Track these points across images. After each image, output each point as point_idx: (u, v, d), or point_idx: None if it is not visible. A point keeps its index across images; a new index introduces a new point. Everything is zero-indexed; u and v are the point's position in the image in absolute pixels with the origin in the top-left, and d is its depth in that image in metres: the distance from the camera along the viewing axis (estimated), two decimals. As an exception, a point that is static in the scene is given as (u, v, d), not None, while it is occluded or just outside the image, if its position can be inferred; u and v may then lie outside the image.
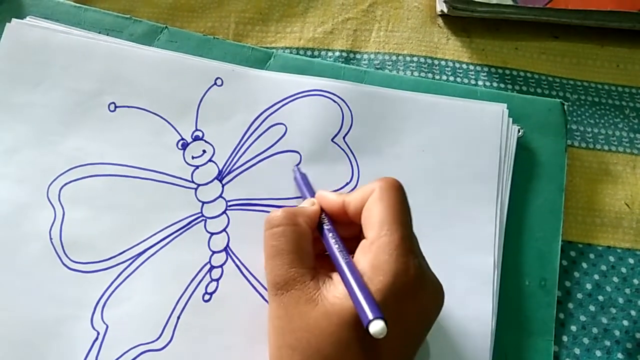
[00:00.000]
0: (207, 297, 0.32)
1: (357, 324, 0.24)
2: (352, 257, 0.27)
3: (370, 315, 0.23)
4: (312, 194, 0.33)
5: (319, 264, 0.29)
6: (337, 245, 0.28)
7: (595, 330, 0.36)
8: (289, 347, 0.26)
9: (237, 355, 0.31)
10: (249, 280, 0.33)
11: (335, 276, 0.27)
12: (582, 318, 0.36)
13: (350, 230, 0.30)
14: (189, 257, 0.33)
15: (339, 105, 0.38)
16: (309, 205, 0.31)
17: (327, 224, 0.30)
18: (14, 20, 0.37)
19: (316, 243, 0.30)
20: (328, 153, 0.36)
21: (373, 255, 0.26)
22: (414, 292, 0.26)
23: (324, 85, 0.38)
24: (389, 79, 0.40)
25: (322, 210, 0.31)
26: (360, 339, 0.25)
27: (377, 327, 0.23)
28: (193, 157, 0.36)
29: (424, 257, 0.28)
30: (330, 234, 0.29)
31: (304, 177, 0.35)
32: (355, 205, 0.29)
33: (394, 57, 0.43)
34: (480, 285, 0.34)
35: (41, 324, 0.31)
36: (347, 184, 0.36)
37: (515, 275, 0.35)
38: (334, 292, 0.26)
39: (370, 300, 0.24)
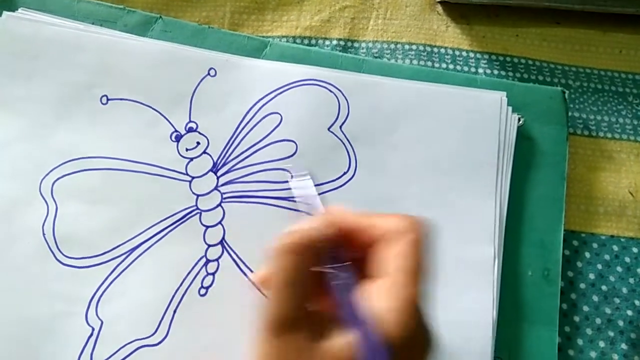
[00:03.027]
0: (203, 291, 0.32)
1: None
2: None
3: None
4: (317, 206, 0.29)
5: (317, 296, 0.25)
6: (347, 292, 0.24)
7: (598, 320, 0.35)
8: None
9: (234, 349, 0.31)
10: (245, 274, 0.32)
11: (337, 322, 0.24)
12: (585, 308, 0.35)
13: (351, 253, 0.26)
14: (184, 251, 0.33)
15: (335, 94, 0.37)
16: (323, 226, 0.26)
17: (336, 256, 0.26)
18: (5, 13, 0.37)
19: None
20: (325, 143, 0.36)
21: (394, 304, 0.23)
22: (420, 348, 0.25)
23: (320, 75, 0.37)
24: (387, 67, 0.39)
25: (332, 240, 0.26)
26: None
27: None
28: (187, 149, 0.35)
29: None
30: (343, 274, 0.25)
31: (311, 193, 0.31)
32: (372, 235, 0.26)
33: (392, 46, 0.42)
34: (480, 276, 0.33)
35: (35, 320, 0.30)
36: (345, 173, 0.35)
37: (517, 266, 0.35)
38: (338, 344, 0.23)
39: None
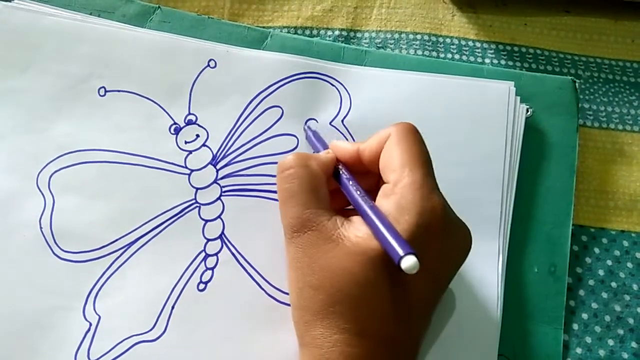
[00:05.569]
0: (202, 286, 0.31)
1: (383, 263, 0.24)
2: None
3: (401, 252, 0.23)
4: (326, 147, 0.32)
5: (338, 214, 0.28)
6: (358, 192, 0.27)
7: (607, 318, 0.34)
8: (310, 287, 0.25)
9: (233, 344, 0.30)
10: (244, 269, 0.32)
11: (355, 218, 0.26)
12: (594, 305, 0.34)
13: (366, 181, 0.29)
14: (183, 246, 0.32)
15: (336, 88, 0.36)
16: (322, 154, 0.30)
17: (345, 172, 0.29)
18: (1, 3, 0.36)
19: (334, 197, 0.29)
20: (326, 137, 0.35)
21: (397, 197, 0.26)
22: (440, 232, 0.26)
23: (322, 68, 0.36)
24: (390, 58, 0.38)
25: (337, 160, 0.30)
26: (387, 278, 0.25)
27: (409, 262, 0.22)
28: (186, 142, 0.34)
29: (446, 201, 0.27)
30: (350, 182, 0.28)
31: (315, 133, 0.34)
32: (371, 151, 0.29)
33: (396, 35, 0.41)
34: (485, 271, 0.32)
35: (32, 315, 0.30)
36: (347, 168, 0.35)
37: (523, 262, 0.34)
38: (356, 232, 0.25)
39: (398, 237, 0.23)
